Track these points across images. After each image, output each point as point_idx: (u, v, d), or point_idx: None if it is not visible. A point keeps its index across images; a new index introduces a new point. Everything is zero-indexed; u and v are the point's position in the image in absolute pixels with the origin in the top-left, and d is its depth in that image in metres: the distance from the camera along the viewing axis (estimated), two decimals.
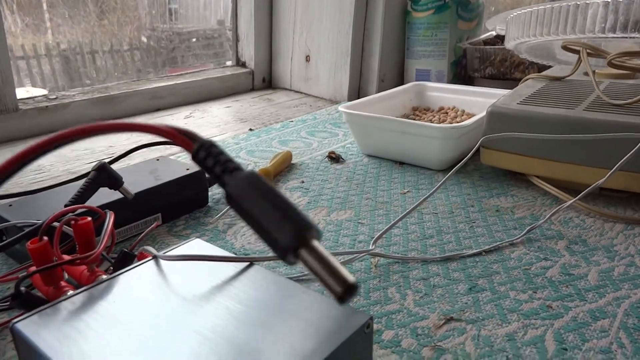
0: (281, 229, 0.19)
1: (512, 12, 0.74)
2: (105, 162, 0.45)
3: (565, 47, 0.66)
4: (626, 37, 0.58)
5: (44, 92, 0.93)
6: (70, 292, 0.31)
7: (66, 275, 0.37)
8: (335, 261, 0.20)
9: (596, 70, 0.73)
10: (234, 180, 0.21)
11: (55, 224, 0.34)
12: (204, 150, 0.23)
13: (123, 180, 0.45)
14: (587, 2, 0.60)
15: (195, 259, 0.32)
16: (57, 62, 0.97)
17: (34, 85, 0.96)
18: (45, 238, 0.32)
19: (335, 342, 0.25)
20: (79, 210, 0.36)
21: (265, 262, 0.42)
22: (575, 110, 0.54)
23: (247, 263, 0.33)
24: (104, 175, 0.44)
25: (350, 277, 0.19)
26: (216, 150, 0.22)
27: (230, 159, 0.22)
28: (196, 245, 0.36)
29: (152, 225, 0.41)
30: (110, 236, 0.35)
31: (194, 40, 1.21)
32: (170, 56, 1.14)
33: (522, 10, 0.70)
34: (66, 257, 0.36)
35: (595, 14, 0.59)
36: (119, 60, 1.05)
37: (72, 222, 0.34)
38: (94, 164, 0.52)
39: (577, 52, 0.65)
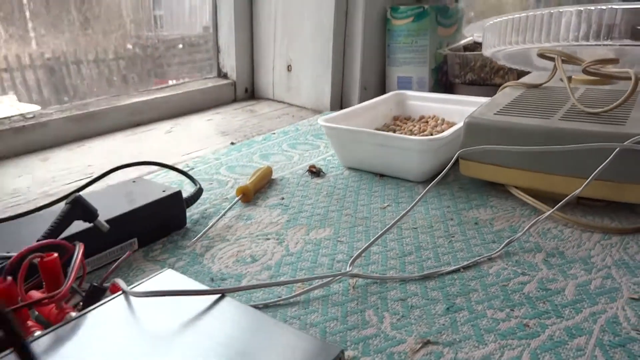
0: None
1: (489, 21, 0.74)
2: (79, 195, 0.44)
3: (541, 55, 0.66)
4: (599, 45, 0.58)
5: (32, 107, 0.91)
6: (37, 333, 0.30)
7: (36, 312, 0.36)
8: None
9: (572, 76, 0.73)
10: None
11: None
12: None
13: (98, 213, 0.45)
14: (561, 10, 0.60)
15: (165, 295, 0.32)
16: (42, 73, 0.95)
17: (19, 98, 0.95)
18: (10, 278, 0.31)
19: None
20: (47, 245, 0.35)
21: (237, 293, 0.42)
22: (550, 120, 0.55)
23: (219, 295, 0.32)
24: (78, 208, 0.43)
25: None
26: None
27: None
28: (168, 277, 0.35)
29: (123, 257, 0.40)
30: (77, 271, 0.34)
31: (180, 46, 1.20)
32: (156, 63, 1.13)
33: (498, 19, 0.71)
34: (34, 295, 0.35)
35: (569, 22, 0.60)
36: (104, 70, 1.04)
37: (38, 259, 0.33)
38: (70, 192, 0.51)
39: (552, 59, 0.65)
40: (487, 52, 0.77)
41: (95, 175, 0.60)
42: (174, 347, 0.28)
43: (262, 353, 0.27)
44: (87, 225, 0.46)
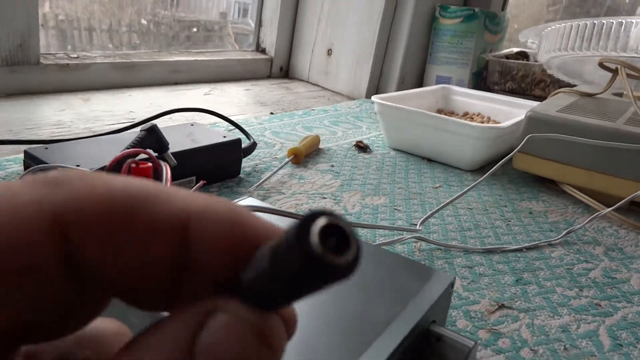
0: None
1: (548, 26, 0.74)
2: (155, 125, 0.43)
3: (601, 65, 0.66)
4: None
5: None
6: None
7: None
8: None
9: (624, 93, 0.74)
10: None
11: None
12: None
13: (169, 146, 0.44)
14: (632, 20, 0.61)
15: (266, 211, 0.31)
16: (52, 36, 0.93)
17: None
18: None
19: (430, 299, 0.24)
20: (139, 157, 0.35)
21: None
22: (616, 123, 0.55)
23: None
24: (153, 137, 0.43)
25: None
26: None
27: None
28: (252, 203, 0.35)
29: (199, 184, 0.40)
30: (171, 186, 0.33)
31: (194, 30, 1.19)
32: (168, 43, 1.11)
33: (559, 24, 0.71)
34: None
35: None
36: (116, 41, 1.01)
37: (133, 164, 0.33)
38: (144, 119, 0.50)
39: (612, 70, 0.66)
40: (542, 57, 0.77)
41: (137, 121, 0.60)
42: None
43: (376, 278, 0.27)
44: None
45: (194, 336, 0.09)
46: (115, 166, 0.32)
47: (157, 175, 0.34)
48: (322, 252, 0.08)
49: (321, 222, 0.08)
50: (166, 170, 0.34)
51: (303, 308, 0.24)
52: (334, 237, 0.08)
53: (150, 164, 0.33)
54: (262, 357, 0.09)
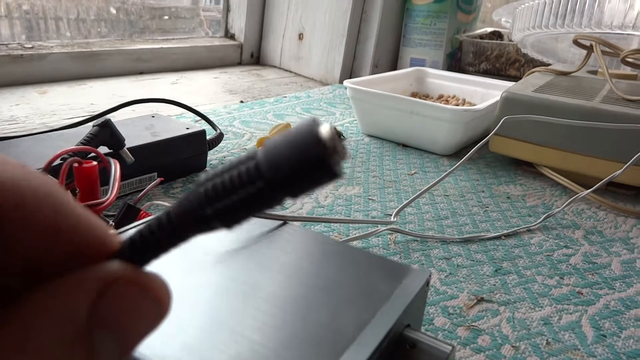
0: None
1: (522, 3, 0.73)
2: (109, 119, 0.40)
3: (576, 42, 0.65)
4: None
5: None
6: None
7: None
8: None
9: (599, 70, 0.73)
10: None
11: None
12: None
13: (125, 142, 0.41)
14: None
15: None
16: (17, 25, 0.87)
17: None
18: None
19: (403, 302, 0.22)
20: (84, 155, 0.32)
21: (298, 223, 0.39)
22: (592, 102, 0.54)
23: (280, 222, 0.30)
24: (106, 132, 0.39)
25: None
26: None
27: None
28: None
29: (155, 181, 0.37)
30: (120, 185, 0.31)
31: (165, 17, 1.14)
32: (138, 30, 1.06)
33: (535, 1, 0.69)
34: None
35: (614, 7, 0.59)
36: (84, 31, 0.96)
37: (76, 164, 0.30)
38: (97, 114, 0.47)
39: (586, 47, 0.64)
40: (516, 36, 0.75)
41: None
42: (243, 267, 0.25)
43: (343, 281, 0.24)
44: (105, 150, 0.42)
45: (91, 309, 0.10)
46: (54, 167, 0.29)
47: (106, 174, 0.31)
48: (333, 136, 0.10)
49: (324, 123, 0.10)
50: (115, 168, 0.31)
51: (264, 321, 0.22)
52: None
53: (95, 163, 0.30)
54: (155, 313, 0.11)
